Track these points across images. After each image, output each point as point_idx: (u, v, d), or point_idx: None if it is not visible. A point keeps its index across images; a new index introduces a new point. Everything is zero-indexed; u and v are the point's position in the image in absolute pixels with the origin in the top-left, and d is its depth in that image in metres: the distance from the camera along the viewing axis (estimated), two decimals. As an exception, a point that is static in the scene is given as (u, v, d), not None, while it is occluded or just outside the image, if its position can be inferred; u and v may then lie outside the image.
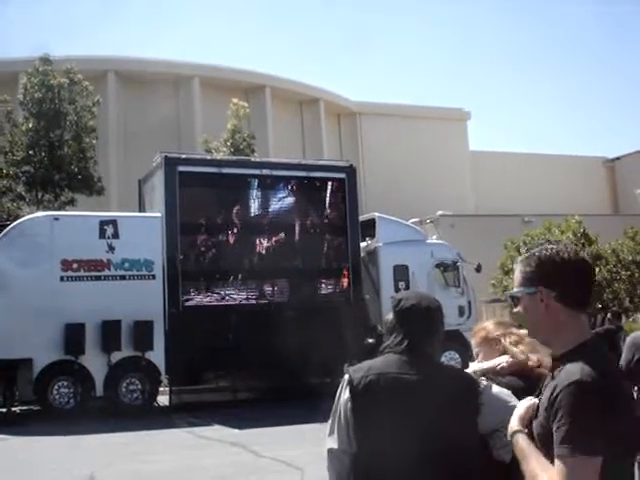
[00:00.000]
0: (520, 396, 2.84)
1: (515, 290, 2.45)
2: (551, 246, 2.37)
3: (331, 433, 3.08)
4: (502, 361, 3.36)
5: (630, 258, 24.77)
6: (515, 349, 3.40)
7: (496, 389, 3.11)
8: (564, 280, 2.31)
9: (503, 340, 3.46)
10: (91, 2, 72.08)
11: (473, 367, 3.42)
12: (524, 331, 3.38)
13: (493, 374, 3.30)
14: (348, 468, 3.01)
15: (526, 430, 2.38)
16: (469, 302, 19.38)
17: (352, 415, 3.01)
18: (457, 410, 2.96)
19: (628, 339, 6.27)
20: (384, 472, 2.92)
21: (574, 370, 2.19)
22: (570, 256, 2.33)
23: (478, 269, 19.82)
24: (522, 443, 2.33)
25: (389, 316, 3.20)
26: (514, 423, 2.44)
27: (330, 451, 3.07)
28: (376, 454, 2.95)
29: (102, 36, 72.44)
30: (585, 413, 2.11)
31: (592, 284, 2.44)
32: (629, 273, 24.44)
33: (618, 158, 52.39)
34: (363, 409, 2.99)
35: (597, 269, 23.86)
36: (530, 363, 3.35)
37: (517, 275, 2.46)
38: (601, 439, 2.09)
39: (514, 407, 2.96)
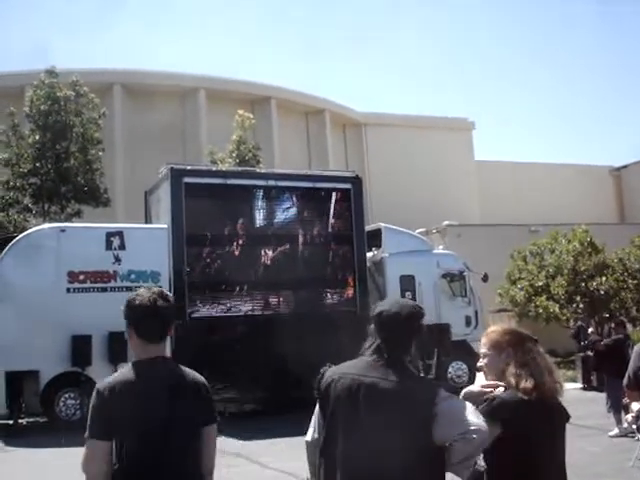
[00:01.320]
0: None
1: None
2: None
3: (310, 427, 3.33)
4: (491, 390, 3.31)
5: (637, 267, 24.64)
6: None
7: (459, 402, 3.09)
8: None
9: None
10: (92, 14, 72.35)
11: (469, 387, 3.39)
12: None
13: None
14: (318, 459, 3.19)
15: None
16: (476, 312, 19.36)
17: (319, 411, 3.26)
18: (409, 414, 2.98)
19: (636, 347, 6.25)
20: (346, 465, 3.04)
21: None
22: None
23: (485, 279, 19.78)
24: None
25: (371, 326, 3.31)
26: None
27: (306, 443, 3.34)
28: (336, 449, 3.09)
29: (104, 49, 72.68)
30: None
31: None
32: (636, 282, 24.31)
33: (625, 166, 52.19)
34: (324, 407, 3.20)
35: (604, 278, 23.77)
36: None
37: None
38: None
39: (469, 422, 2.96)
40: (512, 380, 3.28)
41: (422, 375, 3.36)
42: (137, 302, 3.48)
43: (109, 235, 15.85)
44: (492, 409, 3.13)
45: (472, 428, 2.96)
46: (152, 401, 3.24)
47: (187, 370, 3.50)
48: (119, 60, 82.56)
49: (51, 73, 25.03)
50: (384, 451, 2.94)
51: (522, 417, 3.09)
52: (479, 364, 3.53)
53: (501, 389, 3.28)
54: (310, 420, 3.36)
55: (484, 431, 2.98)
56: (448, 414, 3.00)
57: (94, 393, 3.37)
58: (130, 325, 3.48)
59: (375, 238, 18.98)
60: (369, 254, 18.57)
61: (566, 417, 3.40)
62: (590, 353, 17.02)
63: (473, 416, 3.01)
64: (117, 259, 15.69)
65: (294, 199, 17.59)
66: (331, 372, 3.24)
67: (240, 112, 28.91)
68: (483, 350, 3.52)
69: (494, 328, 3.58)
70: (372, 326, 3.26)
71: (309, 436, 3.31)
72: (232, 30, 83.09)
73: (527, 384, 3.24)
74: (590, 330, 17.40)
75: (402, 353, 3.16)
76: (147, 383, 3.28)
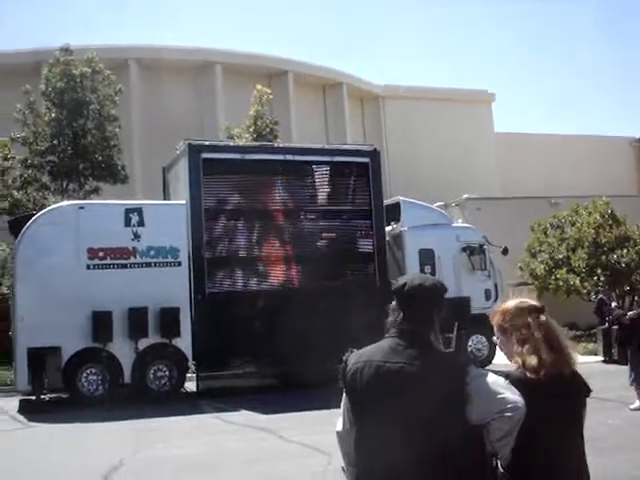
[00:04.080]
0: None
1: None
2: None
3: (340, 416, 3.23)
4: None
5: (659, 239, 24.39)
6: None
7: (491, 378, 3.00)
8: None
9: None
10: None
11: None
12: (539, 319, 3.26)
13: None
14: (353, 448, 3.10)
15: None
16: (495, 285, 19.26)
17: (346, 400, 3.16)
18: (440, 398, 2.90)
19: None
20: (379, 455, 2.97)
21: None
22: None
23: (505, 252, 19.66)
24: None
25: (393, 303, 3.19)
26: None
27: (337, 433, 3.24)
28: (369, 438, 3.02)
29: (118, 26, 72.53)
30: None
31: None
32: (658, 254, 24.07)
33: (645, 137, 51.61)
34: (352, 395, 3.11)
35: (625, 251, 23.54)
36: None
37: None
38: None
39: (505, 399, 2.90)
40: (519, 360, 3.22)
41: (452, 351, 3.26)
42: None
43: (128, 212, 15.87)
44: None
45: (509, 406, 2.90)
46: None
47: None
48: (134, 37, 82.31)
49: (66, 50, 25.01)
50: (420, 437, 2.88)
51: (526, 395, 3.02)
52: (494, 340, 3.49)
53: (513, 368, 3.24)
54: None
55: (521, 407, 2.92)
56: (482, 393, 2.93)
57: None
58: None
59: (394, 212, 18.88)
60: (388, 228, 18.49)
61: (585, 391, 3.32)
62: (615, 327, 16.91)
63: (508, 392, 2.95)
64: (136, 235, 15.72)
65: (312, 173, 17.51)
66: (355, 359, 3.11)
67: (258, 87, 28.74)
68: (495, 336, 3.48)
69: (495, 311, 3.51)
70: (394, 303, 3.17)
71: (339, 426, 3.22)
72: (247, 4, 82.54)
73: (531, 361, 3.17)
74: (613, 304, 17.25)
75: (426, 330, 3.08)
76: None
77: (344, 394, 3.17)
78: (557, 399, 3.11)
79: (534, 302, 3.39)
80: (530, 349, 3.20)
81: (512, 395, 2.94)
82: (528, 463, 3.07)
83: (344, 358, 3.17)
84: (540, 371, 3.12)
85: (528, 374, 3.14)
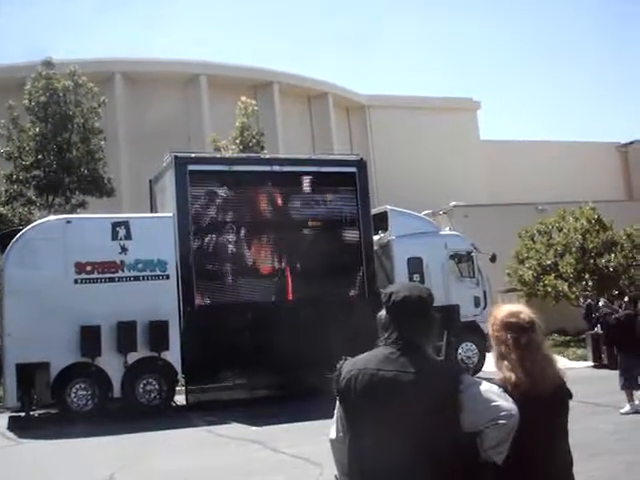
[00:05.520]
0: None
1: None
2: None
3: (333, 424, 3.22)
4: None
5: (646, 243, 24.55)
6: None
7: (484, 387, 3.00)
8: None
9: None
10: (91, 5, 71.98)
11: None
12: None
13: None
14: (346, 457, 3.10)
15: None
16: (484, 292, 19.28)
17: (340, 408, 3.15)
18: (434, 406, 2.91)
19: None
20: (372, 463, 2.97)
21: None
22: None
23: (493, 259, 19.71)
24: None
25: (382, 312, 3.17)
26: None
27: (330, 441, 3.24)
28: (363, 446, 3.02)
29: (103, 38, 72.58)
30: None
31: None
32: (645, 258, 24.23)
33: (631, 143, 51.89)
34: (346, 403, 3.11)
35: (612, 255, 23.67)
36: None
37: None
38: None
39: (499, 406, 2.89)
40: (501, 374, 3.26)
41: (442, 359, 3.24)
42: None
43: (115, 225, 15.82)
44: None
45: (502, 413, 2.90)
46: None
47: None
48: (119, 50, 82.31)
49: (48, 64, 24.92)
50: (413, 444, 2.88)
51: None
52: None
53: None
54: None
55: (515, 415, 2.91)
56: (475, 401, 2.93)
57: None
58: None
59: (381, 221, 18.89)
60: (376, 237, 18.50)
61: (566, 400, 3.33)
62: (598, 330, 16.94)
63: (502, 400, 2.95)
64: (123, 249, 15.67)
65: (299, 184, 17.50)
66: (349, 367, 3.11)
67: (243, 99, 28.75)
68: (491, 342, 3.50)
69: (490, 313, 3.51)
70: (383, 312, 3.17)
71: (333, 434, 3.21)
72: (231, 16, 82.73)
73: (510, 378, 3.20)
74: (601, 303, 17.23)
75: (419, 338, 3.08)
76: None
77: (337, 402, 3.17)
78: (535, 415, 3.08)
79: (525, 316, 3.33)
80: (508, 366, 3.22)
81: (506, 403, 2.94)
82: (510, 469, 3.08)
83: (338, 366, 3.17)
84: (516, 390, 3.13)
85: (508, 387, 3.15)
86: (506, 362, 3.24)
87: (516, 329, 3.28)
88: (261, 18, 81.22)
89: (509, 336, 3.26)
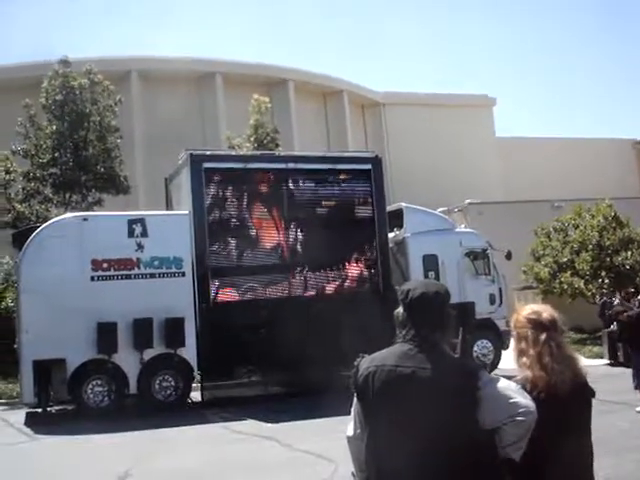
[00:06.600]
0: None
1: None
2: None
3: (350, 421, 3.24)
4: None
5: (663, 240, 24.35)
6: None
7: (502, 383, 3.01)
8: None
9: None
10: (99, 3, 72.22)
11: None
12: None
13: None
14: (364, 453, 3.11)
15: None
16: (500, 290, 19.22)
17: (358, 405, 3.16)
18: (452, 403, 2.92)
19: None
20: (389, 460, 2.98)
21: None
22: None
23: (508, 256, 19.63)
24: None
25: (399, 309, 3.18)
26: None
27: (348, 438, 3.25)
28: (380, 443, 3.03)
29: (120, 37, 72.79)
30: None
31: None
32: (662, 256, 24.03)
33: (648, 139, 51.59)
34: (364, 400, 3.11)
35: (629, 253, 23.51)
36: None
37: None
38: None
39: (517, 403, 2.90)
40: (521, 372, 3.28)
41: (460, 357, 3.25)
42: None
43: (131, 223, 15.88)
44: None
45: (521, 410, 2.90)
46: None
47: None
48: (135, 47, 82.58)
49: (65, 62, 25.10)
50: (431, 440, 2.88)
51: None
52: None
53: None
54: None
55: (533, 411, 2.92)
56: (493, 398, 2.94)
57: None
58: None
59: (397, 218, 18.86)
60: (391, 234, 18.48)
61: (588, 397, 3.32)
62: (614, 327, 16.80)
63: (520, 396, 2.95)
64: (140, 246, 15.73)
65: (314, 181, 17.51)
66: (367, 364, 3.12)
67: (256, 96, 28.80)
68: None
69: (515, 310, 3.53)
70: (400, 309, 3.18)
71: (350, 431, 3.23)
72: (246, 14, 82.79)
73: (527, 375, 3.23)
74: (616, 301, 17.10)
75: (436, 335, 3.09)
76: None
77: (355, 399, 3.18)
78: (554, 413, 3.09)
79: (547, 314, 3.36)
80: (527, 362, 3.24)
81: (524, 399, 2.94)
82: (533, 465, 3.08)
83: (356, 363, 3.18)
84: (534, 387, 3.13)
85: (527, 386, 3.15)
86: (524, 358, 3.26)
87: (537, 326, 3.31)
88: (276, 15, 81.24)
89: (529, 332, 3.29)
